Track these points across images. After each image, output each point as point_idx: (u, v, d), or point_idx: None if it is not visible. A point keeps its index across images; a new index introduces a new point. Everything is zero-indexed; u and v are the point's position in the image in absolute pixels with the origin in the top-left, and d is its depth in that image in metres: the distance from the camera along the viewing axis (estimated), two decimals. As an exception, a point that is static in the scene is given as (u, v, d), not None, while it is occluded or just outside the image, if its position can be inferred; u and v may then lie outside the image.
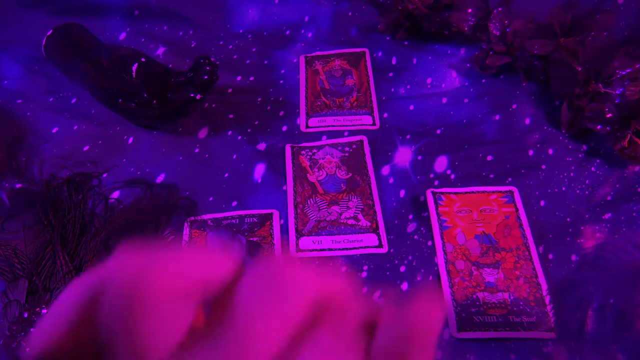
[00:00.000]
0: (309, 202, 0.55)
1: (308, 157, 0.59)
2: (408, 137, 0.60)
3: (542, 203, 0.54)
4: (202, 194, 0.56)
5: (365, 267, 0.51)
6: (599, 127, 0.56)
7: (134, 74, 0.58)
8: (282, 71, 0.69)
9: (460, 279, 0.49)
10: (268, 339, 0.14)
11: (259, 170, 0.58)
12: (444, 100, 0.64)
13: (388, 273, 0.50)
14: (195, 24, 0.74)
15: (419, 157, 0.58)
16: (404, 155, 0.59)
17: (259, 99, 0.65)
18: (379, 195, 0.55)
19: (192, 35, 0.73)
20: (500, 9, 0.63)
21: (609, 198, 0.54)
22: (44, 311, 0.44)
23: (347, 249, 0.52)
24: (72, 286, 0.14)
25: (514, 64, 0.64)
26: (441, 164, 0.58)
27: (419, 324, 0.15)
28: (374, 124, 0.62)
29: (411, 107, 0.63)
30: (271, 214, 0.54)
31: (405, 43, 0.70)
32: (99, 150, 0.60)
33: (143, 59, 0.59)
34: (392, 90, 0.65)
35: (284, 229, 0.53)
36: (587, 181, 0.55)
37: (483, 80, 0.65)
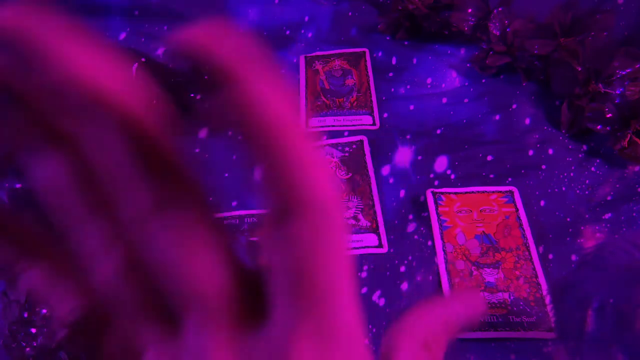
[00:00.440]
0: (309, 202, 0.55)
1: (308, 157, 0.59)
2: (408, 137, 0.60)
3: (542, 203, 0.54)
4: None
5: (365, 267, 0.51)
6: (599, 127, 0.56)
7: (133, 74, 0.58)
8: (282, 71, 0.68)
9: (460, 279, 0.49)
10: None
11: (259, 170, 0.58)
12: (444, 100, 0.64)
13: (388, 273, 0.50)
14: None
15: (419, 157, 0.58)
16: (404, 155, 0.59)
17: (259, 99, 0.65)
18: (379, 195, 0.55)
19: (192, 35, 0.73)
20: (500, 9, 0.63)
21: (609, 198, 0.54)
22: (44, 311, 0.44)
23: (347, 249, 0.52)
24: None
25: (514, 64, 0.64)
26: (441, 164, 0.58)
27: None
28: (374, 124, 0.62)
29: (411, 107, 0.63)
30: (271, 214, 0.54)
31: (405, 43, 0.70)
32: (99, 150, 0.60)
33: (143, 59, 0.59)
34: (392, 90, 0.65)
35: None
36: (587, 181, 0.55)
37: (483, 80, 0.65)
